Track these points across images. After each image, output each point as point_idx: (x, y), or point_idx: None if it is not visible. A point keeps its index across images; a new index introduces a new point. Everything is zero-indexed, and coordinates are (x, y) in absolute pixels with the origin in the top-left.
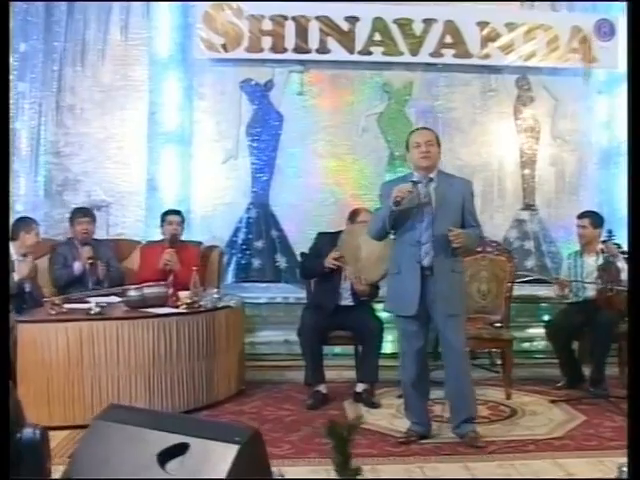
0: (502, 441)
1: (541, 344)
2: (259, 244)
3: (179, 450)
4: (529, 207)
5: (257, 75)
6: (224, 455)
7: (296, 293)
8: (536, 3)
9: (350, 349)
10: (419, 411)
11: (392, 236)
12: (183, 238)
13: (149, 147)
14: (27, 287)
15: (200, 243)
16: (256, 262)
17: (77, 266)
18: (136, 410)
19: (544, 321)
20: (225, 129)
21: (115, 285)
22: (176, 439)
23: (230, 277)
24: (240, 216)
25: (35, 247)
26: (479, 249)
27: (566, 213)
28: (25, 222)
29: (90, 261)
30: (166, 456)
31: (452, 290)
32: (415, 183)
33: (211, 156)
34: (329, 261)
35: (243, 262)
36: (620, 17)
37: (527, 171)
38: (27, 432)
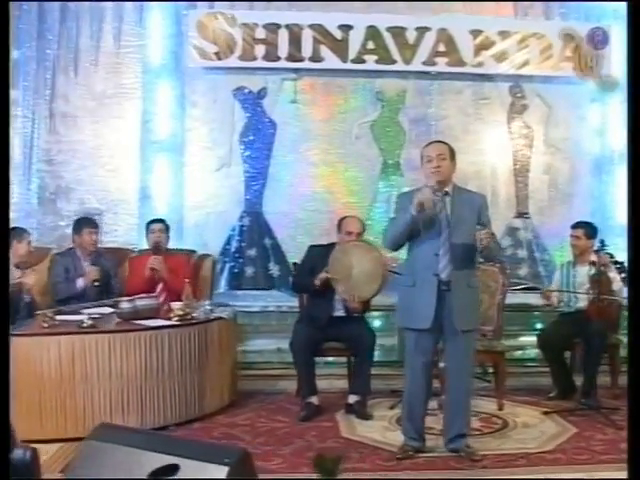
0: (493, 455)
1: (533, 352)
2: (252, 252)
3: (170, 471)
4: (522, 215)
5: (250, 83)
6: (214, 476)
7: (289, 302)
8: (530, 12)
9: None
10: (419, 425)
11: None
12: (174, 247)
13: (142, 155)
14: (26, 298)
15: (193, 252)
16: (249, 270)
17: (80, 283)
18: (127, 429)
19: (536, 329)
20: (218, 137)
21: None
22: (168, 460)
23: (223, 285)
24: (233, 224)
25: (27, 256)
26: None
27: (559, 221)
28: (17, 231)
29: (96, 283)
30: (157, 477)
31: (468, 305)
32: (435, 191)
33: (204, 164)
34: (318, 282)
35: (236, 270)
36: (613, 25)
37: (520, 179)
38: (18, 453)
